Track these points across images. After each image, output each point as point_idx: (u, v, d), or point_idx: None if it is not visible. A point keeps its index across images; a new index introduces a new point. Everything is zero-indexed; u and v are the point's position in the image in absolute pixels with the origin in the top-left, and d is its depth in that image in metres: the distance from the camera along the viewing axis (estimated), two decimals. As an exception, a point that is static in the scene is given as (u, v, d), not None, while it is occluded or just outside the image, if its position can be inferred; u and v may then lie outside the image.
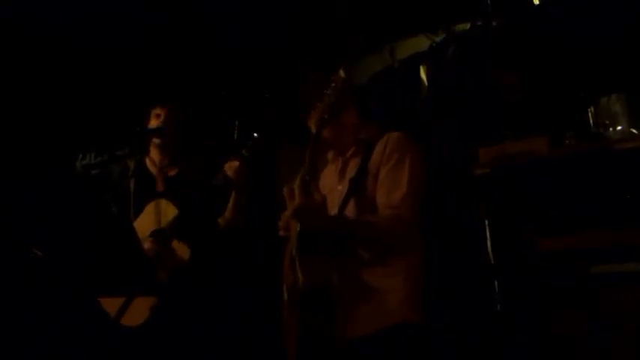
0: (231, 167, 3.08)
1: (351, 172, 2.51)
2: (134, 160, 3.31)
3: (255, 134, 3.08)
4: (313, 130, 2.49)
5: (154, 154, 3.39)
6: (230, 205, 3.19)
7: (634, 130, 2.97)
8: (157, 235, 3.09)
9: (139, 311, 2.90)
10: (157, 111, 3.32)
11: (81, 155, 3.14)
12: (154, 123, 3.31)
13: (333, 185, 2.59)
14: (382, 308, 2.32)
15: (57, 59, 4.13)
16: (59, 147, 3.71)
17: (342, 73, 2.50)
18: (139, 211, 3.23)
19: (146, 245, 3.03)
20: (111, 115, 4.06)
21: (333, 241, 2.34)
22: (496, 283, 3.14)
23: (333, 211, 2.44)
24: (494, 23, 3.36)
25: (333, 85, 2.45)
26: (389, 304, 2.33)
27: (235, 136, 3.03)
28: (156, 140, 3.32)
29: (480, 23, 3.38)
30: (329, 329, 2.30)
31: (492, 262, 3.16)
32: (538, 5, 3.40)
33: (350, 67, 2.72)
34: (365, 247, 2.38)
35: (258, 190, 3.42)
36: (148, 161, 3.40)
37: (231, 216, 3.20)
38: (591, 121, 3.08)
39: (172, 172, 3.36)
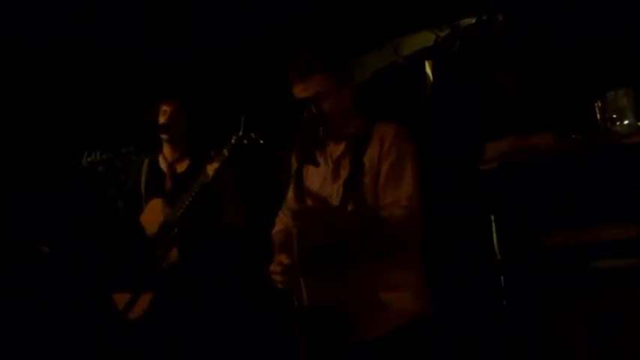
0: (212, 168, 3.01)
1: (344, 171, 2.42)
2: (143, 156, 3.34)
3: (240, 134, 2.95)
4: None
5: (166, 149, 3.42)
6: (225, 206, 3.17)
7: (641, 124, 2.95)
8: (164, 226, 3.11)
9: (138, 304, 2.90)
10: (164, 107, 3.34)
11: (86, 152, 3.17)
12: (161, 119, 3.33)
13: (325, 181, 2.49)
14: (394, 307, 2.32)
15: (61, 56, 4.15)
16: (65, 144, 3.73)
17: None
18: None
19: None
20: (116, 112, 4.08)
21: (336, 249, 2.29)
22: (502, 278, 3.14)
23: None
24: (499, 17, 3.33)
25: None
26: (400, 302, 2.32)
27: (241, 131, 2.97)
28: (164, 136, 3.34)
29: (485, 18, 3.36)
30: (341, 335, 2.29)
31: (498, 257, 3.15)
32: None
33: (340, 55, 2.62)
34: (371, 245, 2.32)
35: (257, 190, 3.41)
36: (160, 157, 3.43)
37: (227, 217, 3.19)
38: (598, 115, 3.06)
39: (181, 168, 3.38)
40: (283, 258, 2.35)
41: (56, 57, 4.16)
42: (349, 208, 2.33)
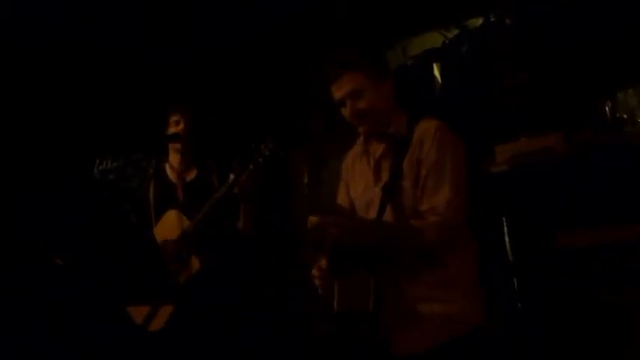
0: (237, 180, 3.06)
1: (385, 174, 2.32)
2: (152, 165, 3.33)
3: (263, 146, 3.02)
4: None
5: (173, 159, 3.40)
6: (241, 214, 3.19)
7: (652, 124, 2.95)
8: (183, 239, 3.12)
9: (156, 317, 2.90)
10: (175, 117, 3.32)
11: (98, 161, 3.14)
12: (172, 129, 3.31)
13: (368, 184, 2.40)
14: (445, 318, 2.20)
15: (60, 56, 4.12)
16: (77, 153, 3.70)
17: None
18: (158, 219, 3.26)
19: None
20: (126, 120, 4.05)
21: (370, 252, 2.19)
22: (515, 280, 3.12)
23: (371, 213, 2.30)
24: (507, 20, 3.31)
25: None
26: (450, 313, 2.20)
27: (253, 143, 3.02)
28: (174, 146, 3.33)
29: (492, 19, 3.34)
30: (370, 347, 2.23)
31: (511, 259, 3.14)
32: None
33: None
34: (409, 255, 2.22)
35: (270, 198, 3.41)
36: (167, 166, 3.42)
37: (242, 225, 3.20)
38: (609, 115, 3.05)
39: (190, 177, 3.38)
40: (323, 262, 2.28)
41: (55, 57, 4.12)
42: (387, 213, 2.25)
